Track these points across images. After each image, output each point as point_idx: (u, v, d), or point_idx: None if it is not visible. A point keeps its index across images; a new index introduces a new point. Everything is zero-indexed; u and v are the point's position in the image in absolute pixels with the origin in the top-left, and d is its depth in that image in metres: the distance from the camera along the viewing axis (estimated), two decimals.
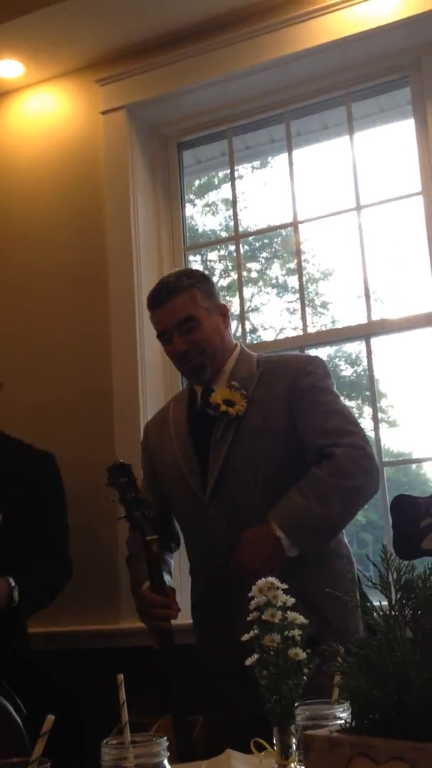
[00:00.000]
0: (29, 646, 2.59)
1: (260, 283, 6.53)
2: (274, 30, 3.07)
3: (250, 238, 5.42)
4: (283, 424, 2.17)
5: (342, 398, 2.23)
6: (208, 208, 6.25)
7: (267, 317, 6.24)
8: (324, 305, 5.81)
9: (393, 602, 0.97)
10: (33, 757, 0.96)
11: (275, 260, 6.61)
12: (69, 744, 1.51)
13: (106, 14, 3.09)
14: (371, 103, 3.28)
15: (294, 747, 1.13)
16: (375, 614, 0.98)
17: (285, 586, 1.21)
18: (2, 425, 2.74)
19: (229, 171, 3.43)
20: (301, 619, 1.18)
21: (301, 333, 3.21)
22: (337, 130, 3.34)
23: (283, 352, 3.02)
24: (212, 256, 5.59)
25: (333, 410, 2.17)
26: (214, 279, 2.36)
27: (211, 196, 6.18)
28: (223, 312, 2.30)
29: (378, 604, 1.07)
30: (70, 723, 1.04)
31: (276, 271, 6.63)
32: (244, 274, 4.18)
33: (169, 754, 1.03)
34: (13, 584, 2.36)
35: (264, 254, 6.87)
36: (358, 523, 4.74)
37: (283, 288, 6.40)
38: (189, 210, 3.76)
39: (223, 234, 5.67)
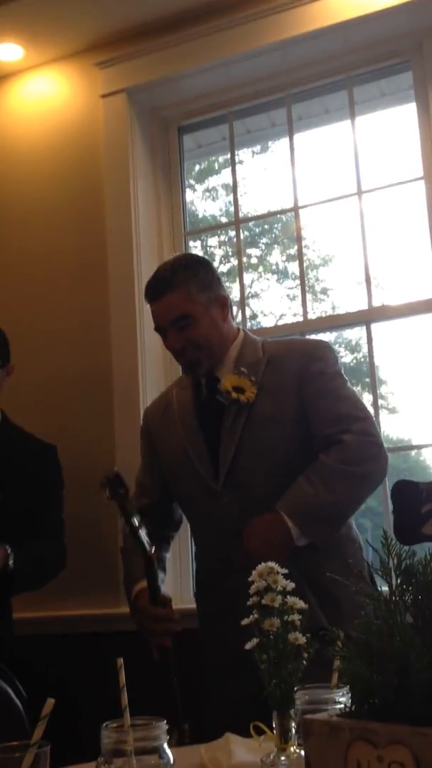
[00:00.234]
0: (13, 632, 2.58)
1: (260, 269, 6.52)
2: (275, 13, 3.04)
3: (251, 223, 5.42)
4: (294, 412, 2.15)
5: (350, 383, 2.21)
6: (208, 193, 6.24)
7: (267, 303, 6.23)
8: (324, 291, 5.81)
9: (393, 587, 0.98)
10: (33, 741, 0.96)
11: (275, 246, 6.60)
12: (64, 728, 1.51)
13: None
14: (373, 87, 3.26)
15: (293, 731, 1.13)
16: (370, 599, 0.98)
17: (285, 571, 1.20)
18: (4, 410, 2.75)
19: (229, 155, 3.41)
20: (300, 603, 1.18)
21: (301, 319, 3.20)
22: (339, 115, 3.32)
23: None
24: (212, 241, 5.59)
25: (341, 396, 2.16)
26: (214, 265, 2.33)
27: (212, 181, 6.16)
28: (222, 302, 2.24)
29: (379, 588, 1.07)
30: (59, 707, 1.04)
31: (276, 256, 6.62)
32: (244, 259, 4.17)
33: (168, 737, 1.04)
34: (9, 551, 2.36)
35: (264, 240, 6.85)
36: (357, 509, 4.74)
37: (283, 274, 6.39)
38: (189, 195, 3.74)
39: (223, 219, 5.66)
